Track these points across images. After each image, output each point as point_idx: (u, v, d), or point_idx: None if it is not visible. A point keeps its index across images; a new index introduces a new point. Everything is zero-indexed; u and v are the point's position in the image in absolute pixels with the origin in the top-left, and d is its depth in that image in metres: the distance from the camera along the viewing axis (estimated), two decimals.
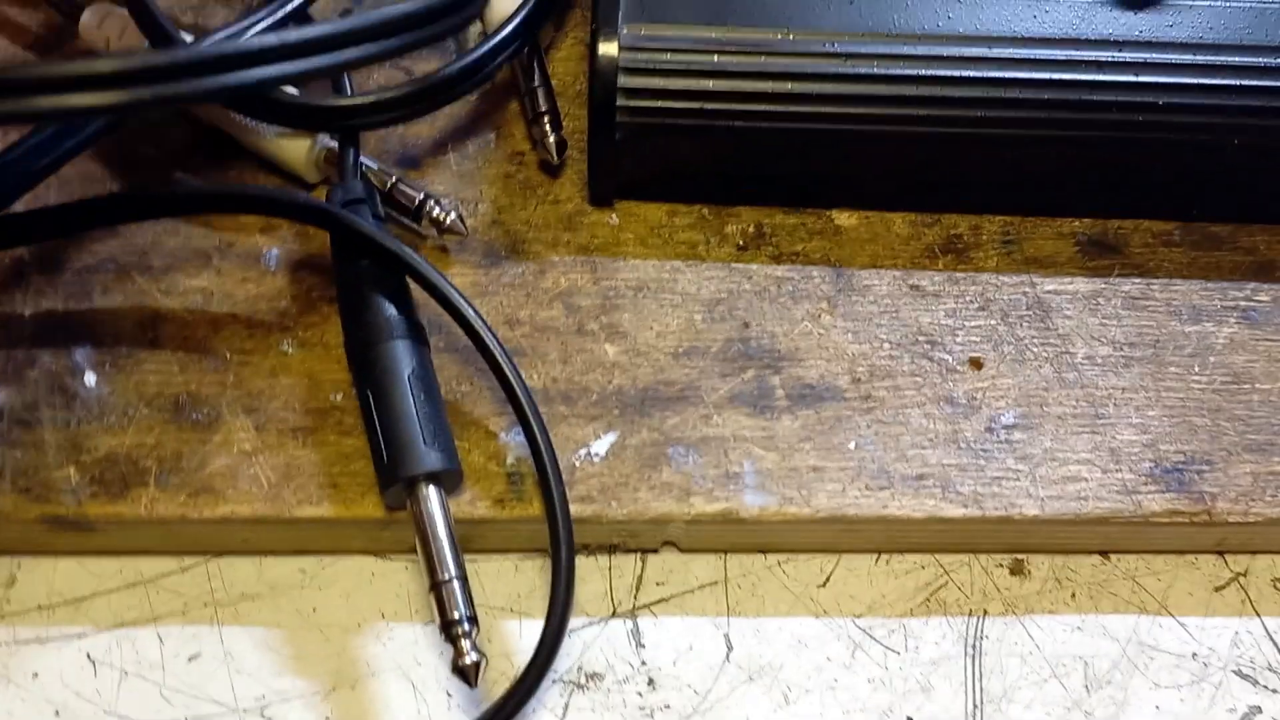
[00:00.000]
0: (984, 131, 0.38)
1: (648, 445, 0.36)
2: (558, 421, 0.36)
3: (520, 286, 0.39)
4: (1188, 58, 0.38)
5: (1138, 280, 0.40)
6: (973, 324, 0.39)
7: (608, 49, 0.37)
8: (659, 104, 0.38)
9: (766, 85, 0.38)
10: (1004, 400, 0.38)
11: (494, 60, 0.40)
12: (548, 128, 0.41)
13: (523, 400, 0.34)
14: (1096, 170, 0.40)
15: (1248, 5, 0.39)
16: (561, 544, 0.33)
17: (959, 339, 0.39)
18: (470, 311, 0.35)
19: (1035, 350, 0.39)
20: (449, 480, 0.34)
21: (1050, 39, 0.38)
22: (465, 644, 0.32)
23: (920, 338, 0.39)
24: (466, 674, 0.32)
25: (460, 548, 0.33)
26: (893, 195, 0.41)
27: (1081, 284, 0.40)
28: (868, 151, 0.40)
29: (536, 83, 0.41)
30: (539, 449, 0.34)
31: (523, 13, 0.40)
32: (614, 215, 0.41)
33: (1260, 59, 0.38)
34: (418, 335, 0.36)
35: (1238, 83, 0.38)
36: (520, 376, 0.35)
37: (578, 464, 0.36)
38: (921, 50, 0.38)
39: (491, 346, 0.35)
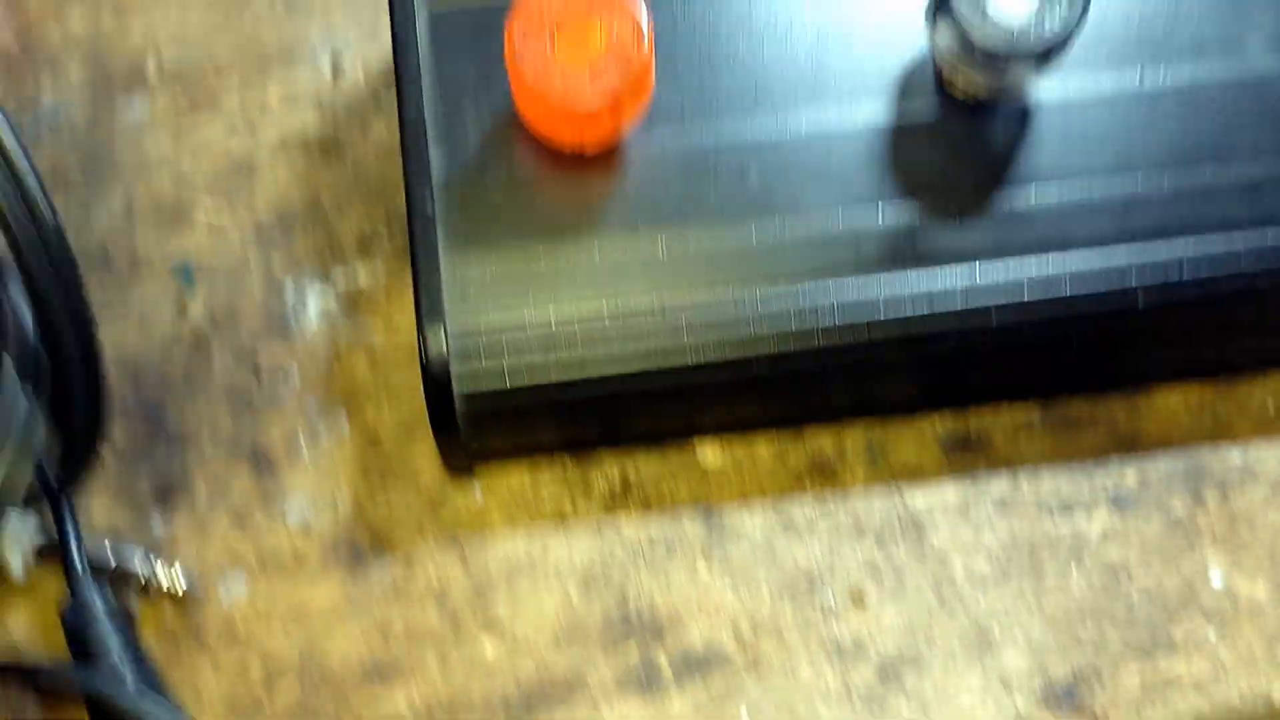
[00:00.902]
0: (826, 361, 0.38)
1: None
2: None
3: (390, 590, 0.38)
4: (1023, 266, 0.38)
5: (1005, 479, 0.40)
6: (849, 554, 0.39)
7: (436, 342, 0.36)
8: (498, 388, 0.37)
9: (608, 350, 0.37)
10: (890, 639, 0.38)
11: None
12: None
13: None
14: (947, 375, 0.40)
15: (1080, 202, 0.38)
16: None
17: (837, 574, 0.39)
18: None
19: (914, 576, 0.39)
20: None
21: (879, 260, 0.38)
22: None
23: (800, 577, 0.38)
24: None
25: None
26: (751, 420, 0.41)
27: (951, 492, 0.40)
28: (718, 391, 0.39)
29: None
30: None
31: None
32: (477, 487, 0.40)
33: (1096, 257, 0.38)
34: None
35: (1078, 293, 0.38)
36: None
37: None
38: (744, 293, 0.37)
39: None
